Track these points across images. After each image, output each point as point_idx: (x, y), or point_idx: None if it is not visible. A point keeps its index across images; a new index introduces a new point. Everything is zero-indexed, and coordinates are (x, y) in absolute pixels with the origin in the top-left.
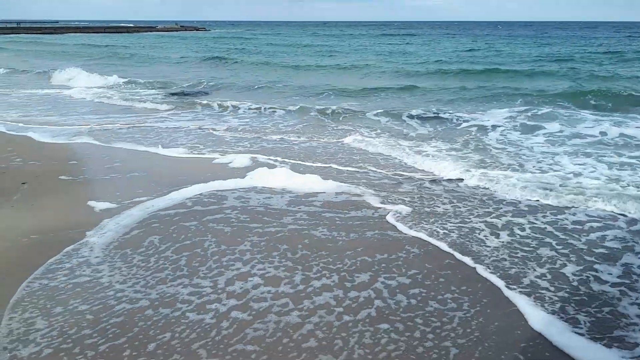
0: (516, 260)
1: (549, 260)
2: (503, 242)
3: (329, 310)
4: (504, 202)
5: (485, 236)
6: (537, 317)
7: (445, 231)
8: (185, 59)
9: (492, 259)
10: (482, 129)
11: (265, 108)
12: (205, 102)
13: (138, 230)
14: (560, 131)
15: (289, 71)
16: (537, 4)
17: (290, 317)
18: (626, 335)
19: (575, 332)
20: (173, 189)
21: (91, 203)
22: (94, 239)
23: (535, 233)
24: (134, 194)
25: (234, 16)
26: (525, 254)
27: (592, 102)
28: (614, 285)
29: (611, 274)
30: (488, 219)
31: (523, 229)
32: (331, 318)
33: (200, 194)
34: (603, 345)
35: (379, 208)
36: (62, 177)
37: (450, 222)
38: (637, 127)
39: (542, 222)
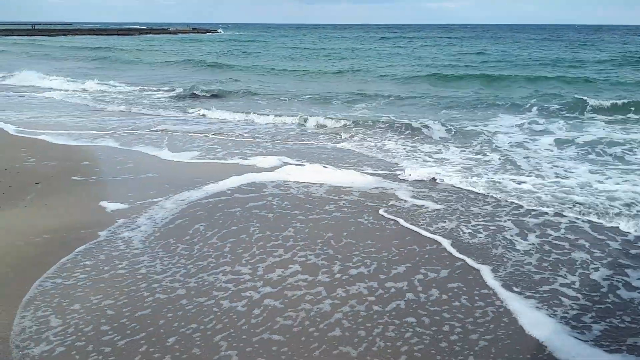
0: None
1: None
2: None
3: (360, 300)
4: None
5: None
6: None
7: (470, 231)
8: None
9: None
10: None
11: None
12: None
13: (181, 219)
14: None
15: (279, 77)
16: (554, 5)
17: (323, 305)
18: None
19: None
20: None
21: (103, 203)
22: (125, 233)
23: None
24: (147, 195)
25: (246, 18)
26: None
27: None
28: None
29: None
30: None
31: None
32: (361, 307)
33: (239, 186)
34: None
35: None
36: (75, 178)
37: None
38: None
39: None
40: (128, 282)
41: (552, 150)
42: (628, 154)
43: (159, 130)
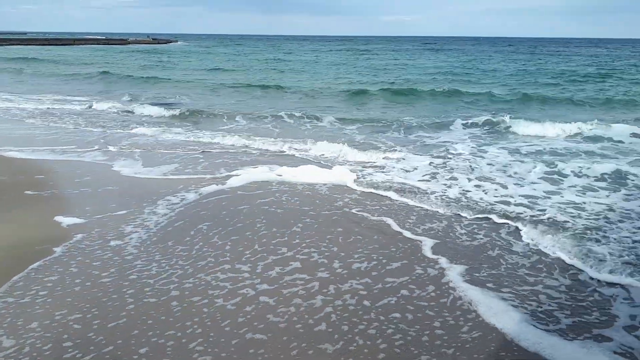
0: None
1: None
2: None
3: (353, 295)
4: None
5: None
6: None
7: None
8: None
9: None
10: None
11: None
12: None
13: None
14: None
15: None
16: (512, 20)
17: (315, 300)
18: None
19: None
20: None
21: (58, 218)
22: (136, 233)
23: None
24: (107, 208)
25: (209, 30)
26: None
27: None
28: None
29: None
30: None
31: None
32: (352, 301)
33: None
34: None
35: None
36: (28, 192)
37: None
38: None
39: None
40: (90, 297)
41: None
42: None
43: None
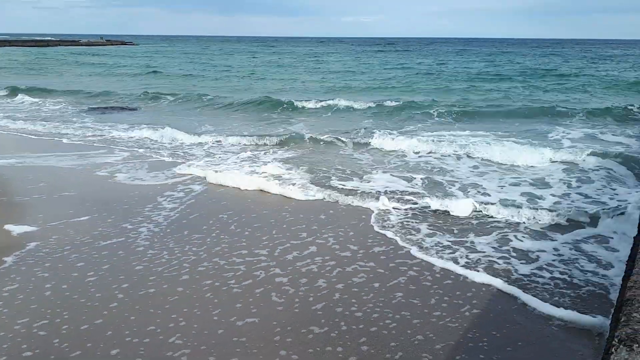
0: None
1: None
2: None
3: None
4: None
5: None
6: None
7: None
8: None
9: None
10: None
11: None
12: None
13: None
14: None
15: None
16: (469, 21)
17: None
18: None
19: None
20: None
21: (8, 227)
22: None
23: None
24: (61, 215)
25: (167, 31)
26: None
27: None
28: None
29: None
30: None
31: None
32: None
33: None
34: None
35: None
36: None
37: None
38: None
39: None
40: (46, 305)
41: None
42: None
43: None
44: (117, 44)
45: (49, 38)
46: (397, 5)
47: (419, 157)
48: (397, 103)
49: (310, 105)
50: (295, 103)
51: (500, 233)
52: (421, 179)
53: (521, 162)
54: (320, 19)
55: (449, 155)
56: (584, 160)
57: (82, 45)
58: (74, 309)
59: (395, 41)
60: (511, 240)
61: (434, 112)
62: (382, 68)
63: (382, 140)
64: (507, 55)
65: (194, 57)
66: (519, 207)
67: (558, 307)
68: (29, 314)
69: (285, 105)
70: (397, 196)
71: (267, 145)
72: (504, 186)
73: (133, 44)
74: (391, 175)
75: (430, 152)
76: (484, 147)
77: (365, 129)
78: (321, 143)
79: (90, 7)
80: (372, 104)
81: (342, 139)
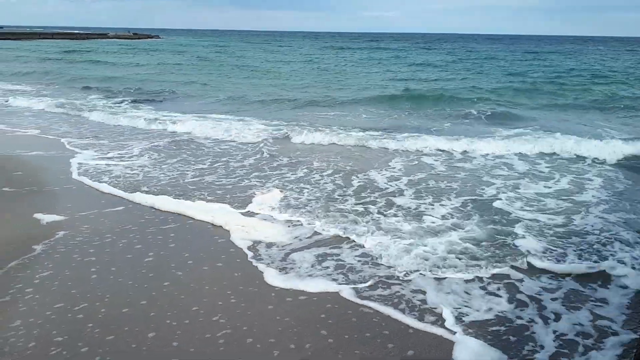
0: None
1: None
2: None
3: None
4: None
5: None
6: None
7: None
8: None
9: None
10: None
11: None
12: None
13: None
14: None
15: None
16: (492, 18)
17: None
18: None
19: None
20: None
21: (38, 215)
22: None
23: None
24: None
25: (191, 24)
26: None
27: None
28: None
29: None
30: None
31: None
32: None
33: None
34: None
35: None
36: (5, 189)
37: None
38: None
39: None
40: (76, 292)
41: None
42: None
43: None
44: (143, 37)
45: (77, 32)
46: (418, 0)
47: None
48: None
49: None
50: None
51: None
52: None
53: None
54: (343, 14)
55: None
56: None
57: (110, 38)
58: (111, 293)
59: (431, 37)
60: None
61: None
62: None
63: None
64: (573, 54)
65: (261, 52)
66: None
67: None
68: (60, 299)
69: None
70: None
71: None
72: None
73: (159, 37)
74: None
75: None
76: None
77: None
78: None
79: (113, 0)
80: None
81: None
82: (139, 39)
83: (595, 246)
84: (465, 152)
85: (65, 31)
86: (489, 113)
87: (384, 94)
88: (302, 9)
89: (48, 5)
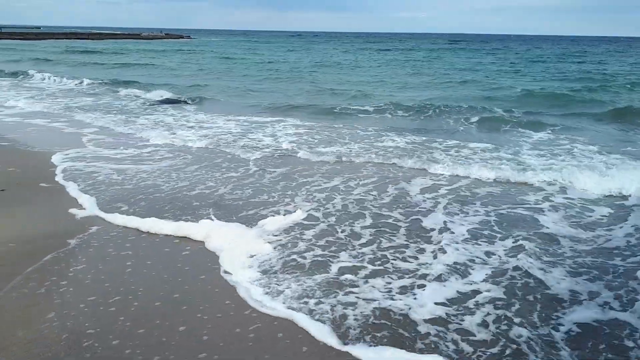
0: None
1: None
2: None
3: None
4: None
5: None
6: None
7: None
8: None
9: None
10: None
11: None
12: None
13: None
14: None
15: None
16: (523, 18)
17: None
18: None
19: None
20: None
21: (73, 210)
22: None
23: None
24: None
25: (221, 25)
26: None
27: None
28: None
29: None
30: None
31: None
32: None
33: None
34: None
35: None
36: (43, 184)
37: None
38: None
39: None
40: (110, 286)
41: None
42: None
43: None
44: (175, 38)
45: (113, 32)
46: (449, 1)
47: None
48: None
49: None
50: None
51: None
52: None
53: None
54: (377, 14)
55: None
56: None
57: (143, 38)
58: (145, 287)
59: (460, 38)
60: None
61: None
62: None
63: None
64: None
65: (306, 53)
66: None
67: None
68: (93, 293)
69: None
70: None
71: None
72: None
73: (190, 38)
74: None
75: None
76: None
77: None
78: None
79: (141, 2)
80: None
81: None
82: (170, 38)
83: None
84: None
85: (100, 31)
86: None
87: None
88: (334, 9)
89: (85, 6)
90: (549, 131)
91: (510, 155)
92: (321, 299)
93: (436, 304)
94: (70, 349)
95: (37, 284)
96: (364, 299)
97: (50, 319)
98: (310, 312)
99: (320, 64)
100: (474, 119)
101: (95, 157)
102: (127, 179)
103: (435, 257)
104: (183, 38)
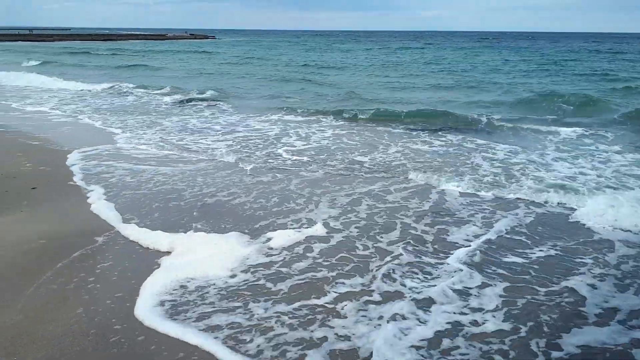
0: None
1: None
2: None
3: None
4: None
5: None
6: None
7: None
8: None
9: None
10: None
11: None
12: None
13: None
14: None
15: None
16: (545, 15)
17: None
18: None
19: None
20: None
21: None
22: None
23: None
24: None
25: (245, 25)
26: None
27: None
28: None
29: None
30: None
31: None
32: None
33: None
34: None
35: None
36: (72, 183)
37: None
38: None
39: None
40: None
41: None
42: None
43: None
44: (200, 38)
45: (139, 32)
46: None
47: None
48: None
49: None
50: None
51: None
52: None
53: None
54: (400, 13)
55: None
56: None
57: (169, 39)
58: None
59: (496, 36)
60: None
61: None
62: None
63: None
64: None
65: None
66: None
67: None
68: (120, 289)
69: None
70: None
71: None
72: None
73: (214, 38)
74: None
75: None
76: None
77: None
78: None
79: (167, 3)
80: None
81: None
82: (194, 39)
83: None
84: None
85: (129, 32)
86: None
87: None
88: (359, 9)
89: (112, 8)
90: None
91: None
92: None
93: None
94: (98, 344)
95: (66, 280)
96: None
97: (78, 314)
98: None
99: (386, 65)
100: None
101: (123, 155)
102: (142, 182)
103: None
104: (207, 38)
